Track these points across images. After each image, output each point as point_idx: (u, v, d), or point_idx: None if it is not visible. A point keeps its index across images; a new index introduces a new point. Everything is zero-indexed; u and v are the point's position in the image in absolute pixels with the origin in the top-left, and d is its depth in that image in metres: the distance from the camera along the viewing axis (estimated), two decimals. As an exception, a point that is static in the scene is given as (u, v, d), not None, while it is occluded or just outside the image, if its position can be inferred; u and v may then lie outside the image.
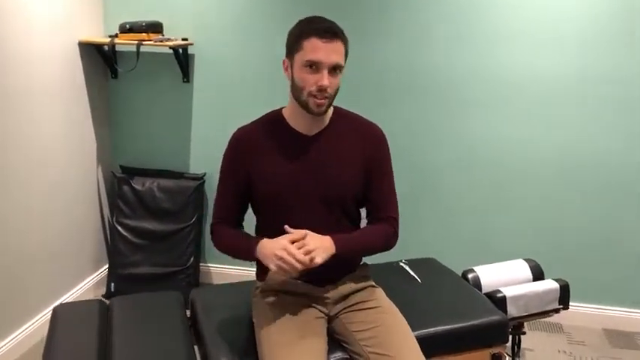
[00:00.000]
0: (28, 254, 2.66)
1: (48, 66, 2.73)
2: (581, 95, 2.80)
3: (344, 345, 1.77)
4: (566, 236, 2.97)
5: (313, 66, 1.62)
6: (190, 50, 3.12)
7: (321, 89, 1.63)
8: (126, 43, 2.98)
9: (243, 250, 1.72)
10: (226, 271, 3.34)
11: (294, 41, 1.67)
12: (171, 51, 3.04)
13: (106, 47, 3.10)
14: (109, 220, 3.33)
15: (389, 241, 1.80)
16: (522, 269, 2.23)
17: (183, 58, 3.07)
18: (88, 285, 3.15)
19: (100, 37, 3.11)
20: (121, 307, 1.94)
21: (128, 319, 1.86)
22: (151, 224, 3.17)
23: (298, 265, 1.57)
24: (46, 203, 2.77)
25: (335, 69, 1.64)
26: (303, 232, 1.62)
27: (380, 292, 1.87)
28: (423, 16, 2.86)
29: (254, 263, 1.81)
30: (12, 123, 2.51)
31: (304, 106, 1.68)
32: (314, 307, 1.78)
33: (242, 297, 2.01)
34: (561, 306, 2.14)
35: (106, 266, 3.30)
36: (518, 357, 2.08)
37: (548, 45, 2.78)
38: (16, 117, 2.53)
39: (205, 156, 3.24)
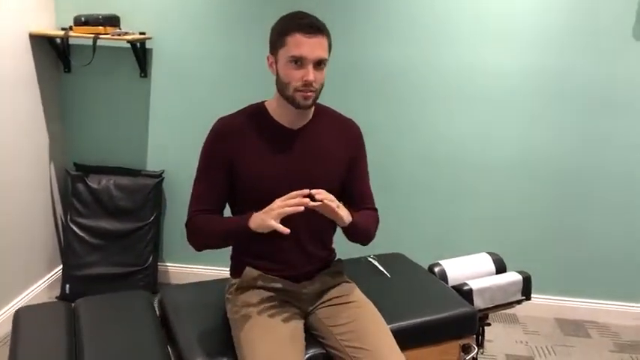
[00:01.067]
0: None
1: (-2, 59, 2.61)
2: (537, 92, 2.91)
3: (320, 340, 1.77)
4: (519, 229, 3.08)
5: (298, 61, 1.63)
6: (148, 45, 3.04)
7: (307, 84, 1.63)
8: (82, 37, 2.87)
9: (233, 226, 1.66)
10: (184, 270, 3.28)
11: (277, 38, 1.67)
12: (127, 45, 2.96)
13: (58, 40, 2.99)
14: (62, 220, 3.21)
15: (376, 227, 1.86)
16: (486, 262, 2.29)
17: (140, 53, 3.00)
18: (41, 287, 3.03)
19: (51, 29, 3.00)
20: (88, 309, 1.87)
21: (97, 320, 1.80)
22: (108, 223, 3.07)
23: (303, 199, 1.53)
24: (-3, 202, 2.64)
25: (320, 63, 1.65)
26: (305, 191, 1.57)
27: (354, 288, 1.89)
28: (384, 14, 2.90)
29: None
30: (-39, 118, 2.38)
31: (291, 101, 1.68)
32: (290, 303, 1.78)
33: (212, 296, 1.99)
34: (524, 297, 2.22)
35: (60, 267, 3.19)
36: (483, 347, 2.14)
37: (505, 43, 2.87)
38: (-34, 112, 2.40)
39: (163, 153, 3.18)
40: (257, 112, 1.78)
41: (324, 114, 1.83)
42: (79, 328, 1.78)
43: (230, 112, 1.79)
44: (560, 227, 3.06)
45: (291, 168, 1.73)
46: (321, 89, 1.70)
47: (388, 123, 3.01)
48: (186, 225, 1.77)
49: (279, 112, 1.75)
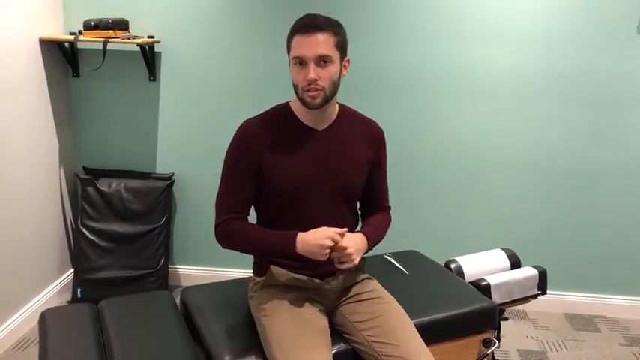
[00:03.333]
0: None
1: (6, 64, 2.60)
2: (547, 89, 2.94)
3: (345, 336, 1.79)
4: (528, 226, 3.12)
5: (301, 62, 1.66)
6: (157, 48, 3.05)
7: (310, 82, 1.65)
8: (91, 41, 2.88)
9: (277, 246, 1.71)
10: (195, 272, 3.29)
11: (287, 42, 1.72)
12: (136, 49, 2.97)
13: (67, 45, 2.99)
14: (72, 224, 3.21)
15: (388, 229, 1.93)
16: (501, 258, 2.32)
17: (149, 57, 3.01)
18: (52, 291, 3.03)
19: (60, 34, 3.00)
20: (113, 309, 1.88)
21: (122, 320, 1.81)
22: (119, 226, 3.08)
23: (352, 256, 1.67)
24: (3, 207, 2.63)
25: (322, 60, 1.65)
26: (343, 230, 1.68)
27: (377, 284, 1.91)
28: (395, 15, 2.93)
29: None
30: (-25, 123, 2.38)
31: (302, 101, 1.70)
32: (315, 299, 1.79)
33: (233, 295, 2.01)
34: (540, 291, 2.25)
35: (71, 271, 3.18)
36: (499, 341, 2.16)
37: (514, 42, 2.90)
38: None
39: (172, 156, 3.19)
40: (282, 113, 1.80)
41: (348, 115, 1.86)
42: (105, 328, 1.79)
43: (255, 114, 1.80)
44: (569, 223, 3.09)
45: (316, 168, 1.75)
46: (333, 87, 1.69)
47: (399, 121, 3.04)
48: (217, 229, 1.77)
49: (303, 112, 1.77)
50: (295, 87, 1.70)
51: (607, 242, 3.09)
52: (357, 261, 1.70)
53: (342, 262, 1.69)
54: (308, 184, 1.73)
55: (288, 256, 1.74)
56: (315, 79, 1.65)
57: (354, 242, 1.70)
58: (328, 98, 1.71)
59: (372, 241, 1.82)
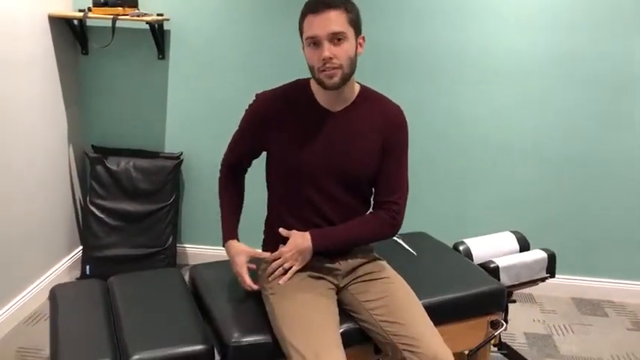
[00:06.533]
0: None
1: (15, 41, 2.58)
2: (555, 73, 2.91)
3: (352, 315, 1.80)
4: (536, 210, 3.10)
5: (315, 42, 1.64)
6: (166, 26, 3.03)
7: (325, 61, 1.63)
8: (100, 18, 2.87)
9: (223, 224, 1.90)
10: (203, 251, 3.30)
11: (299, 25, 1.69)
12: (145, 26, 2.95)
13: (75, 22, 2.98)
14: (80, 202, 3.22)
15: (383, 230, 1.83)
16: (510, 241, 2.31)
17: (159, 34, 2.99)
18: (61, 268, 3.05)
19: (68, 10, 2.99)
20: (122, 285, 1.89)
21: (131, 296, 1.82)
22: (127, 205, 3.08)
23: (247, 288, 1.80)
24: (13, 185, 2.63)
25: (335, 38, 1.63)
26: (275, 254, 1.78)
27: (386, 264, 1.91)
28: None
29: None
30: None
31: (320, 83, 1.68)
32: (324, 278, 1.80)
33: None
34: (549, 274, 2.24)
35: (79, 249, 3.20)
36: (506, 323, 2.16)
37: (523, 24, 2.87)
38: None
39: (181, 135, 3.18)
40: (300, 90, 1.78)
41: (369, 98, 1.81)
42: (114, 304, 1.80)
43: (272, 87, 1.81)
44: (577, 207, 3.08)
45: (324, 151, 1.74)
46: (350, 64, 1.66)
47: (410, 102, 2.98)
48: (220, 170, 1.94)
49: (320, 92, 1.75)
50: (311, 69, 1.67)
51: (617, 227, 3.07)
52: (295, 267, 1.74)
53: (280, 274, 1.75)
54: (314, 165, 1.72)
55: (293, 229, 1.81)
56: (331, 58, 1.62)
57: (293, 244, 1.75)
58: (346, 76, 1.67)
59: (325, 241, 1.75)
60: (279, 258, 1.75)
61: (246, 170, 1.96)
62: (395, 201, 1.82)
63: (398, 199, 1.83)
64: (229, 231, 1.86)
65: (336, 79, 1.65)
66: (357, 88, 1.79)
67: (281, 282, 1.71)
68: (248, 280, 1.78)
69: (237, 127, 1.87)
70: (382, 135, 1.79)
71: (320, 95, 1.75)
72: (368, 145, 1.78)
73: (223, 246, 1.86)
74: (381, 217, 1.81)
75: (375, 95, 1.84)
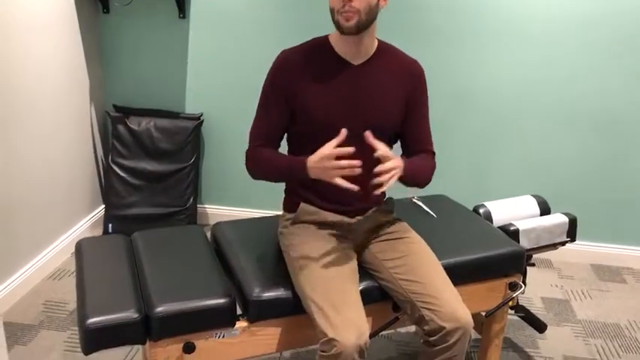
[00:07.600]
0: (20, 198, 2.57)
1: (36, 0, 2.59)
2: (580, 36, 2.85)
3: (373, 273, 1.81)
4: (557, 174, 3.07)
5: None
6: (187, -15, 3.01)
7: (344, 3, 1.61)
8: (122, -25, 2.85)
9: (296, 170, 1.68)
10: (223, 212, 3.34)
11: None
12: (166, -15, 2.93)
13: (97, -20, 2.97)
14: (102, 161, 3.26)
15: (433, 173, 1.87)
16: (530, 204, 2.30)
17: (180, -7, 2.97)
18: (84, 226, 3.10)
19: (90, -32, 2.97)
20: (146, 241, 1.92)
21: (155, 251, 1.85)
22: (149, 164, 3.12)
23: (355, 169, 1.57)
24: (36, 145, 2.66)
25: None
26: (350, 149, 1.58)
27: (406, 225, 1.91)
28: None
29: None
30: None
31: (337, 26, 1.68)
32: (345, 237, 1.81)
33: (263, 231, 2.04)
34: (569, 239, 2.23)
35: (102, 207, 3.25)
36: (525, 286, 2.16)
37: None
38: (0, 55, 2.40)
39: (202, 95, 3.18)
40: (320, 45, 1.77)
41: (388, 52, 1.81)
42: (138, 258, 1.83)
43: (294, 45, 1.79)
44: (598, 172, 3.04)
45: (347, 102, 1.74)
46: (369, 11, 1.64)
47: (432, 62, 2.97)
48: (247, 154, 1.80)
49: (341, 45, 1.74)
50: (332, 11, 1.67)
51: (636, 193, 3.03)
52: (394, 177, 1.58)
53: (377, 186, 1.58)
54: (338, 117, 1.71)
55: (314, 191, 1.79)
56: (350, 0, 1.61)
57: (398, 162, 1.60)
58: (362, 23, 1.65)
59: (411, 171, 1.70)
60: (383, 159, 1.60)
61: (279, 145, 1.84)
62: (430, 149, 1.90)
63: (431, 148, 1.91)
64: (298, 161, 1.68)
65: (352, 23, 1.64)
66: (375, 41, 1.79)
67: (385, 188, 1.58)
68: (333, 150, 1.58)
69: (258, 91, 1.81)
70: (404, 86, 1.80)
71: (340, 47, 1.74)
72: (391, 96, 1.78)
73: (306, 174, 1.65)
74: (433, 161, 1.89)
75: (393, 49, 1.85)
